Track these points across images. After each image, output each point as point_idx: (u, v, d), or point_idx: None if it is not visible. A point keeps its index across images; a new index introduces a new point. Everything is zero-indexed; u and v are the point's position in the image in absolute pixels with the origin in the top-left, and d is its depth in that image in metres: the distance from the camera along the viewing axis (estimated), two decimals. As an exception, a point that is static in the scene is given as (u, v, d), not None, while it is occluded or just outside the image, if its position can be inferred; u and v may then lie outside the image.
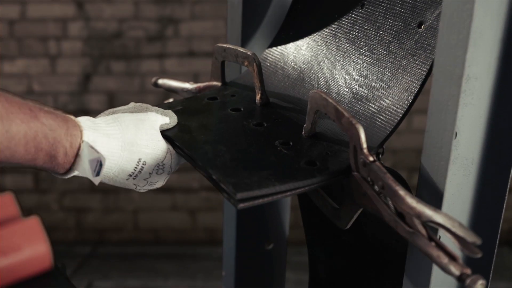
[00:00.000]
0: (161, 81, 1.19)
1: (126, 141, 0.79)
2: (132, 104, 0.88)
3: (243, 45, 1.11)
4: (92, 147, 0.74)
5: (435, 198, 0.72)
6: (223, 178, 0.74)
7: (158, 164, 0.83)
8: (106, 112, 0.84)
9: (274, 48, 1.05)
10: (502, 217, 0.76)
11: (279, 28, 1.07)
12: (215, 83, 1.06)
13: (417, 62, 0.81)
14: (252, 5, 1.09)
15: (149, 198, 3.34)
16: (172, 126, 0.87)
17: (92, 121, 0.79)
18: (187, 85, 1.11)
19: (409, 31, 0.84)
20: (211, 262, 3.17)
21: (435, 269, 0.75)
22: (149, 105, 0.88)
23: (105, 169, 0.78)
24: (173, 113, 0.89)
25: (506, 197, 0.76)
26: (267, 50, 1.07)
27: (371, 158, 0.71)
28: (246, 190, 0.71)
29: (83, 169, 0.75)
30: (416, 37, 0.82)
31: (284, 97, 0.98)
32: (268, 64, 1.04)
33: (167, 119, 0.87)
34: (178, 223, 3.39)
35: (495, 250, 0.78)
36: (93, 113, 3.58)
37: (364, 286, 1.02)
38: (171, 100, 1.18)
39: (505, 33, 0.68)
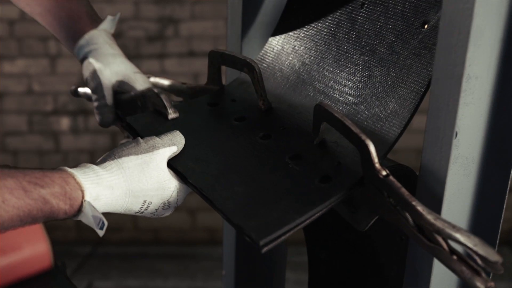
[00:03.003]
0: (153, 79, 1.16)
1: (131, 189, 0.80)
2: (137, 139, 0.85)
3: (243, 45, 1.11)
4: (93, 207, 0.76)
5: (435, 198, 0.72)
6: (243, 223, 0.73)
7: (164, 202, 0.83)
8: (110, 154, 0.82)
9: (270, 49, 1.04)
10: (502, 216, 0.76)
11: (274, 29, 1.06)
12: (211, 86, 1.04)
13: (422, 62, 0.80)
14: (252, 5, 1.09)
15: (149, 198, 3.33)
16: (180, 150, 0.86)
17: (95, 173, 0.78)
18: (182, 86, 1.09)
19: (412, 31, 0.82)
20: (211, 262, 3.17)
21: (435, 269, 0.76)
22: (156, 139, 0.85)
23: (112, 211, 0.81)
24: (180, 136, 0.87)
25: (506, 197, 0.76)
26: (262, 51, 1.05)
27: (384, 173, 0.70)
28: (268, 233, 0.70)
29: (87, 221, 0.77)
30: (420, 36, 0.81)
31: (285, 101, 0.96)
32: (265, 66, 1.03)
33: (175, 148, 0.85)
34: (178, 223, 3.38)
35: (495, 250, 0.78)
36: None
37: (364, 286, 1.02)
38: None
39: (505, 33, 0.68)
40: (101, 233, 0.77)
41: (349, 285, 1.06)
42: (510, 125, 0.72)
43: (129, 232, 3.42)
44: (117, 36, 3.21)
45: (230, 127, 0.91)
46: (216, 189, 0.80)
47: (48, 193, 0.73)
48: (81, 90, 1.20)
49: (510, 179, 0.75)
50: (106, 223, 0.76)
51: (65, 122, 3.32)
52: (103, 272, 3.08)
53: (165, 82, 1.14)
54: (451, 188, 0.71)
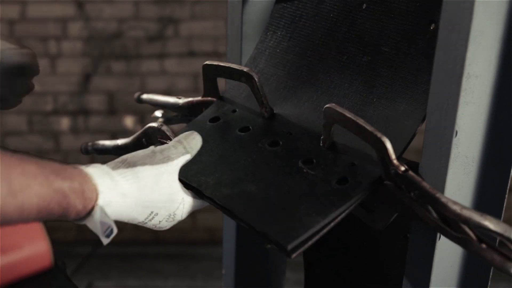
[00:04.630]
0: (145, 96, 1.13)
1: (141, 199, 0.78)
2: (151, 149, 0.83)
3: (243, 44, 1.10)
4: (105, 213, 0.74)
5: (435, 197, 0.72)
6: (268, 229, 0.72)
7: (170, 214, 0.82)
8: (124, 161, 0.80)
9: (262, 50, 1.01)
10: (503, 215, 0.76)
11: (264, 28, 1.03)
12: (209, 98, 1.02)
13: (432, 62, 0.76)
14: (252, 5, 1.09)
15: (149, 198, 3.33)
16: (194, 154, 0.86)
17: (110, 178, 0.76)
18: (177, 100, 1.07)
19: (419, 31, 0.81)
20: (211, 262, 3.17)
21: (435, 269, 0.76)
22: (171, 150, 0.83)
23: (117, 219, 0.78)
24: (197, 139, 0.87)
25: (506, 195, 0.76)
26: (254, 54, 1.01)
27: (402, 168, 0.70)
28: (295, 237, 0.70)
29: (93, 226, 0.75)
30: (427, 36, 0.80)
31: (287, 105, 0.93)
32: (259, 70, 1.00)
33: (188, 156, 0.85)
34: (178, 223, 3.38)
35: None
36: (93, 113, 3.59)
37: (362, 286, 1.01)
38: (158, 113, 1.14)
39: (506, 31, 0.68)
40: (105, 241, 0.75)
41: (346, 286, 1.05)
42: (510, 124, 0.72)
43: (129, 232, 3.41)
44: (117, 36, 3.22)
45: (236, 139, 0.90)
46: (233, 199, 0.79)
47: (68, 188, 0.71)
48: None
49: (510, 178, 0.75)
50: (115, 231, 0.74)
51: (65, 122, 3.32)
52: (103, 272, 3.08)
53: (160, 98, 1.11)
54: (451, 187, 0.71)
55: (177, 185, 0.82)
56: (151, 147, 0.84)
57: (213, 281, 2.99)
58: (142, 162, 0.80)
